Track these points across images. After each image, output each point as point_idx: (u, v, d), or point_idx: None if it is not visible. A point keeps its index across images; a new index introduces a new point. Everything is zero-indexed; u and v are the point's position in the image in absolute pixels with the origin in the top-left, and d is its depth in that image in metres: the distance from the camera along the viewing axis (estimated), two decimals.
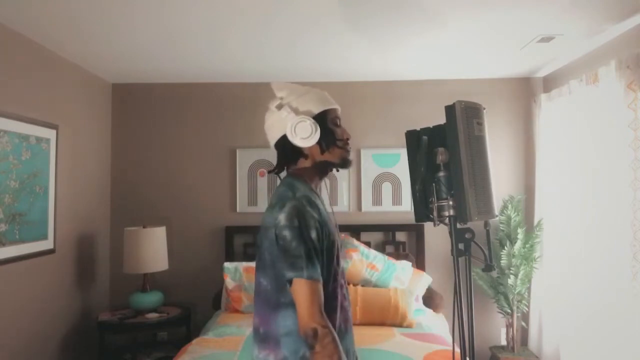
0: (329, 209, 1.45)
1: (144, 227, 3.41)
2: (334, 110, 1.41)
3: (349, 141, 1.42)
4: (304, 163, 1.39)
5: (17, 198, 2.68)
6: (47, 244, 2.96)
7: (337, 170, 1.44)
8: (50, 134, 3.00)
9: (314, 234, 1.24)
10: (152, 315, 3.31)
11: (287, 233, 1.24)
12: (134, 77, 3.74)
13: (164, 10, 2.41)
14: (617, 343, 2.60)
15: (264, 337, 1.31)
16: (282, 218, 1.25)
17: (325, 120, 1.37)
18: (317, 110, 1.36)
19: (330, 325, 1.22)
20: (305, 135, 1.32)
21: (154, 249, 3.35)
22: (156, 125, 3.89)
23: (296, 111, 1.35)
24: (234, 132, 3.88)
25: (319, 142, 1.35)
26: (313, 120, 1.33)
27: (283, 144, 1.37)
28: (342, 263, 1.42)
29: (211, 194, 3.87)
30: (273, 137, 1.40)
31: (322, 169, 1.41)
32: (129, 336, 3.42)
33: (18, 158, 2.69)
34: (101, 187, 3.72)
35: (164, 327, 3.37)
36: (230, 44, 2.94)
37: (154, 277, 3.62)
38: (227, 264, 3.45)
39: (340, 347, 1.21)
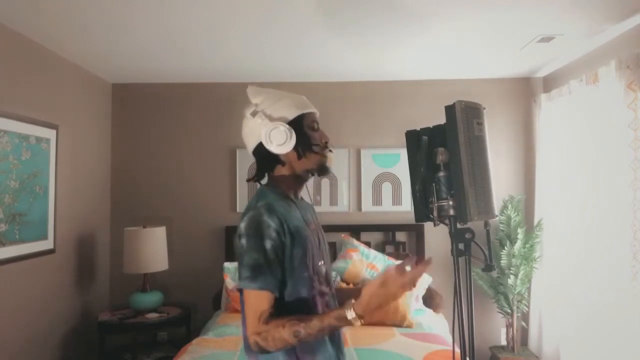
0: (311, 217, 1.42)
1: (144, 227, 3.41)
2: (311, 114, 1.38)
3: (327, 144, 1.39)
4: (281, 170, 1.38)
5: (17, 198, 2.68)
6: (47, 244, 2.96)
7: (316, 175, 1.40)
8: (50, 134, 3.00)
9: (268, 244, 1.22)
10: (152, 315, 3.31)
11: (242, 242, 1.24)
12: (134, 77, 3.74)
13: (164, 10, 2.41)
14: (617, 343, 2.60)
15: (246, 347, 1.30)
16: (241, 227, 1.26)
17: (301, 126, 1.34)
18: (291, 116, 1.34)
19: (264, 327, 1.18)
20: (281, 142, 1.30)
21: (154, 249, 3.35)
22: (156, 125, 3.89)
23: (270, 118, 1.33)
24: (234, 132, 3.87)
25: (295, 148, 1.33)
26: (288, 126, 1.31)
27: (260, 151, 1.36)
28: (325, 269, 1.39)
29: (211, 194, 3.87)
30: (250, 145, 1.39)
31: (301, 175, 1.39)
32: (129, 336, 3.42)
33: (18, 158, 2.69)
34: (101, 187, 3.72)
35: (164, 327, 3.37)
36: (230, 44, 2.95)
37: (154, 277, 3.62)
38: (227, 264, 3.45)
39: (288, 329, 1.16)
